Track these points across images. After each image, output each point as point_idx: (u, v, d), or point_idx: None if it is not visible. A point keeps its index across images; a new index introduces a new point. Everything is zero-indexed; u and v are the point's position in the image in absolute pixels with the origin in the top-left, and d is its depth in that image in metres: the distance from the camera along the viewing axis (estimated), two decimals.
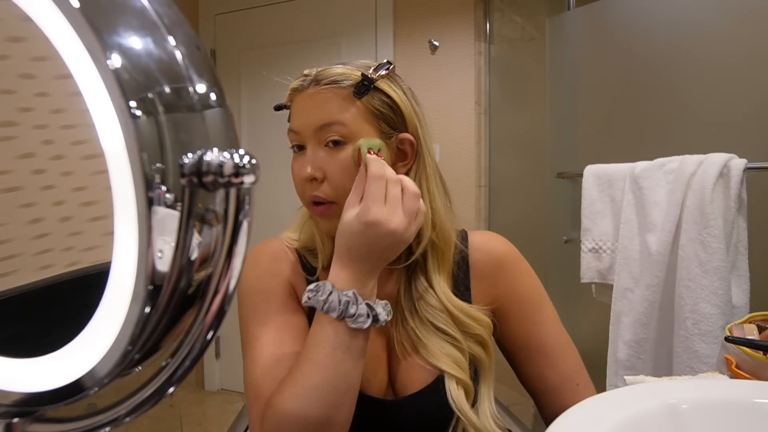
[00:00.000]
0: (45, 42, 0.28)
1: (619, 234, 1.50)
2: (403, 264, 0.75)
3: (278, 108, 0.79)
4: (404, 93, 0.74)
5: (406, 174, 0.74)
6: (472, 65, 2.30)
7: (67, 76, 0.28)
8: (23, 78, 0.32)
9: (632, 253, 1.46)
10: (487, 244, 0.81)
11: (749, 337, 0.78)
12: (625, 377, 0.74)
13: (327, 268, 0.77)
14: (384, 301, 0.65)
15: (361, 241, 0.63)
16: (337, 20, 2.54)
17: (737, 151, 1.32)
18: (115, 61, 0.26)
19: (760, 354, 0.73)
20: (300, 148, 0.74)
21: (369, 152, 0.68)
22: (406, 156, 0.74)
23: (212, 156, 0.27)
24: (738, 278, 1.30)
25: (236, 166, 0.27)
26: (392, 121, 0.72)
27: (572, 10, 1.89)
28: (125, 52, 0.26)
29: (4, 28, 0.31)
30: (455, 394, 0.70)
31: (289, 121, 0.76)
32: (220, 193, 0.28)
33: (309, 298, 0.63)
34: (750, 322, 0.82)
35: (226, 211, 0.28)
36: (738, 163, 1.29)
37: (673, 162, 1.40)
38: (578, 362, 0.79)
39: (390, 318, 0.65)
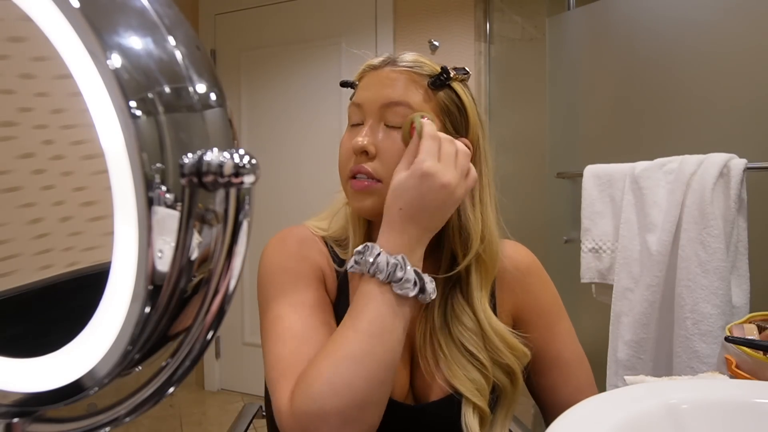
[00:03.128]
0: (45, 42, 0.28)
1: (619, 234, 1.49)
2: (445, 274, 0.72)
3: (345, 84, 0.77)
4: (473, 101, 0.74)
5: None
6: (472, 65, 2.30)
7: (67, 76, 0.28)
8: (23, 78, 0.32)
9: (632, 253, 1.46)
10: (514, 254, 0.80)
11: (749, 337, 0.78)
12: (625, 377, 0.74)
13: None
14: (431, 276, 0.63)
15: (413, 196, 0.61)
16: (337, 20, 2.53)
17: (737, 151, 1.32)
18: (115, 61, 0.26)
19: (760, 354, 0.73)
20: (356, 121, 0.72)
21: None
22: None
23: (212, 156, 0.27)
24: (738, 278, 1.30)
25: (236, 166, 0.27)
26: (457, 122, 0.72)
27: (572, 10, 1.89)
28: (125, 52, 0.26)
29: (4, 28, 0.31)
30: (470, 420, 0.68)
31: (351, 98, 0.75)
32: (220, 193, 0.28)
33: (356, 262, 0.62)
34: (750, 322, 0.82)
35: (226, 211, 0.28)
36: (738, 163, 1.29)
37: (673, 162, 1.40)
38: (590, 376, 0.79)
39: (435, 296, 0.63)
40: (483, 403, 0.69)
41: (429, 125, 0.65)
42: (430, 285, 0.62)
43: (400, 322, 0.61)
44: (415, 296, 0.61)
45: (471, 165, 0.65)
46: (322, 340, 0.64)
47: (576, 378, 0.77)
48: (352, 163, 0.70)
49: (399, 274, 0.60)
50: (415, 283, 0.61)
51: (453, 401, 0.69)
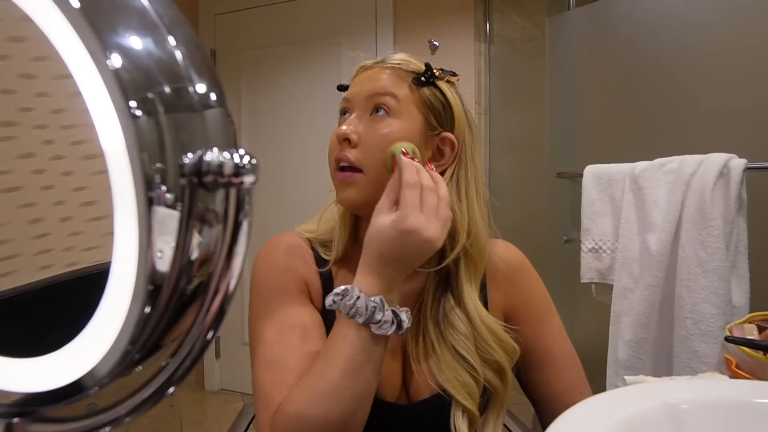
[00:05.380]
0: (45, 42, 0.28)
1: (619, 234, 1.49)
2: (434, 268, 0.73)
3: (341, 88, 0.81)
4: (460, 100, 0.76)
5: (440, 175, 0.74)
6: (472, 65, 2.30)
7: (67, 76, 0.28)
8: (23, 78, 0.32)
9: (632, 253, 1.46)
10: (504, 252, 0.82)
11: (749, 337, 0.78)
12: (625, 377, 0.74)
13: (340, 261, 0.77)
14: (406, 309, 0.65)
15: (395, 248, 0.62)
16: (337, 20, 2.53)
17: (737, 151, 1.32)
18: (115, 61, 0.26)
19: (760, 354, 0.73)
20: (344, 113, 0.76)
21: (404, 154, 0.67)
22: (443, 156, 0.75)
23: (212, 156, 0.27)
24: (738, 278, 1.30)
25: (236, 166, 0.27)
26: (441, 117, 0.74)
27: (572, 10, 1.89)
28: (125, 52, 0.26)
29: (4, 28, 0.31)
30: (459, 423, 0.69)
31: None
32: (220, 193, 0.28)
33: (334, 302, 0.63)
34: (750, 322, 0.82)
35: (226, 211, 0.28)
36: (738, 163, 1.29)
37: (673, 162, 1.40)
38: (581, 372, 0.80)
39: (410, 324, 0.65)
40: (473, 406, 0.70)
41: (410, 168, 0.64)
42: (407, 318, 0.64)
43: (376, 357, 0.63)
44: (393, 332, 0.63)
45: (449, 210, 0.65)
46: (302, 365, 0.66)
47: (567, 373, 0.79)
48: (337, 149, 0.73)
49: (378, 316, 0.61)
50: (392, 322, 0.62)
51: (442, 400, 0.70)
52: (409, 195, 0.62)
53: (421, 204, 0.62)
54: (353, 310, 0.62)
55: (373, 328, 0.62)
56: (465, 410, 0.70)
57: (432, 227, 0.62)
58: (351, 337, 0.62)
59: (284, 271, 0.75)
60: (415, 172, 0.64)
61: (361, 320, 0.61)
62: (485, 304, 0.77)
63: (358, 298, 0.62)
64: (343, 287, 0.63)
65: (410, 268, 0.65)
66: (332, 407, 0.60)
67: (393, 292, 0.64)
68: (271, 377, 0.67)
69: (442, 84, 0.74)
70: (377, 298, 0.62)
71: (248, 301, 0.76)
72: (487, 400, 0.73)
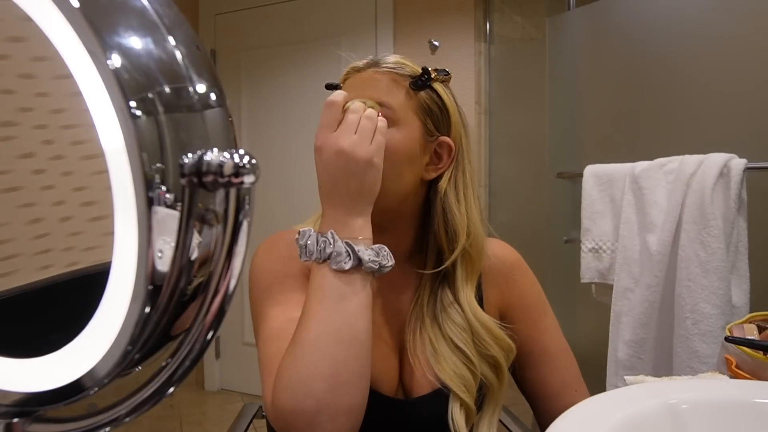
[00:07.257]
0: (45, 42, 0.28)
1: (619, 234, 1.50)
2: (433, 270, 0.73)
3: (330, 87, 0.79)
4: (455, 101, 0.76)
5: (437, 178, 0.74)
6: (472, 65, 2.30)
7: (67, 76, 0.28)
8: (23, 78, 0.32)
9: (632, 253, 1.46)
10: (500, 251, 0.82)
11: (749, 337, 0.78)
12: (625, 377, 0.74)
13: None
14: (378, 245, 0.63)
15: (331, 175, 0.63)
16: (337, 20, 2.53)
17: (737, 151, 1.32)
18: (115, 61, 0.26)
19: (760, 354, 0.73)
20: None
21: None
22: (441, 160, 0.74)
23: (212, 156, 0.27)
24: (738, 278, 1.30)
25: (236, 166, 0.27)
26: (438, 121, 0.73)
27: (572, 10, 1.89)
28: (125, 52, 0.26)
29: (4, 28, 0.31)
30: (456, 416, 0.69)
31: None
32: (220, 193, 0.28)
33: (300, 249, 0.63)
34: (750, 322, 0.82)
35: (226, 211, 0.28)
36: (738, 163, 1.29)
37: (673, 162, 1.40)
38: (577, 370, 0.80)
39: (389, 264, 0.63)
40: (470, 400, 0.70)
41: (356, 102, 0.66)
42: (368, 253, 0.62)
43: (352, 297, 0.61)
44: (357, 268, 0.61)
45: (379, 123, 0.65)
46: None
47: (563, 371, 0.79)
48: None
49: (328, 250, 0.61)
50: (348, 255, 0.61)
51: (441, 396, 0.70)
52: (348, 118, 0.64)
53: (357, 128, 0.63)
54: (305, 250, 0.62)
55: (332, 264, 0.61)
56: (462, 404, 0.70)
57: (365, 147, 0.62)
58: (315, 279, 0.61)
59: (288, 260, 0.75)
60: (362, 105, 0.65)
61: (314, 257, 0.61)
62: (480, 302, 0.77)
63: (310, 236, 0.62)
64: (298, 230, 0.64)
65: (352, 192, 0.63)
66: (319, 359, 0.58)
67: (350, 225, 0.63)
68: (275, 348, 0.65)
69: (437, 86, 0.74)
70: (327, 233, 0.62)
71: (248, 292, 0.75)
72: (483, 396, 0.74)
